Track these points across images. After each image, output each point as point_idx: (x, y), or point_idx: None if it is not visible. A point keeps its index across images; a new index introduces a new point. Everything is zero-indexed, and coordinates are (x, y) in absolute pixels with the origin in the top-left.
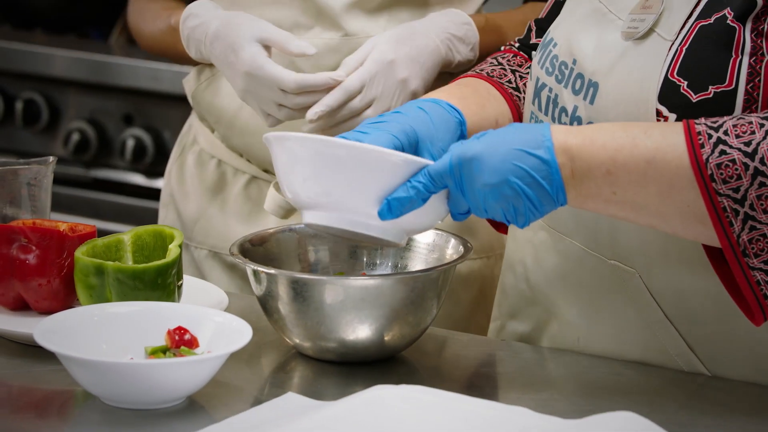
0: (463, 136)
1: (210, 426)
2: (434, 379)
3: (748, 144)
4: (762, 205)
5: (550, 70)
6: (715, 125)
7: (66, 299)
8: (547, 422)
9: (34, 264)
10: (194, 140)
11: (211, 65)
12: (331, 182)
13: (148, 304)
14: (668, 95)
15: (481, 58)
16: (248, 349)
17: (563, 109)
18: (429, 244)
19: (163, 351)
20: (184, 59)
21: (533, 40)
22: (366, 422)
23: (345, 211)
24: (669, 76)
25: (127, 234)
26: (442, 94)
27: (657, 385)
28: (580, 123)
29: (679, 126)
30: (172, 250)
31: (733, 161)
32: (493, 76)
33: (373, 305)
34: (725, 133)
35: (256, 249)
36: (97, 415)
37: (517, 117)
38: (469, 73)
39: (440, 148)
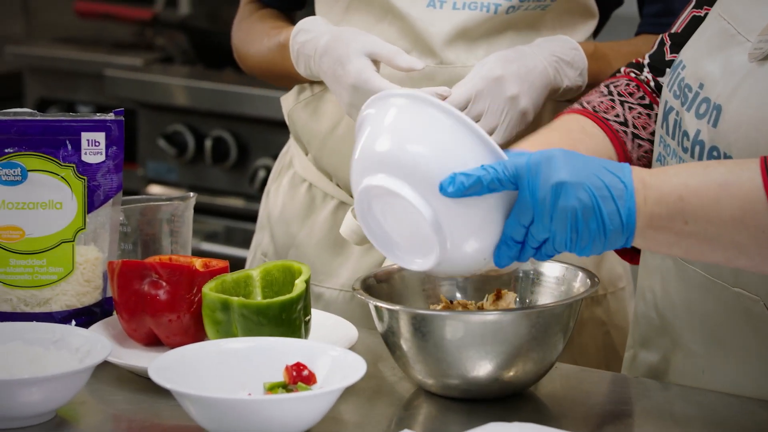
0: None
1: None
2: (560, 416)
3: None
4: None
5: (677, 93)
6: None
7: (197, 334)
8: None
9: (165, 300)
10: (290, 163)
11: (312, 84)
12: (418, 145)
13: (265, 340)
14: None
15: (589, 86)
16: (372, 385)
17: (685, 133)
18: (558, 278)
19: (282, 386)
20: (290, 80)
21: (668, 56)
22: None
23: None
24: None
25: (256, 270)
26: (525, 145)
27: None
28: (702, 147)
29: (755, 162)
30: (298, 285)
31: None
32: (598, 111)
33: (493, 341)
34: None
35: (380, 285)
36: None
37: (622, 152)
38: (574, 106)
39: None
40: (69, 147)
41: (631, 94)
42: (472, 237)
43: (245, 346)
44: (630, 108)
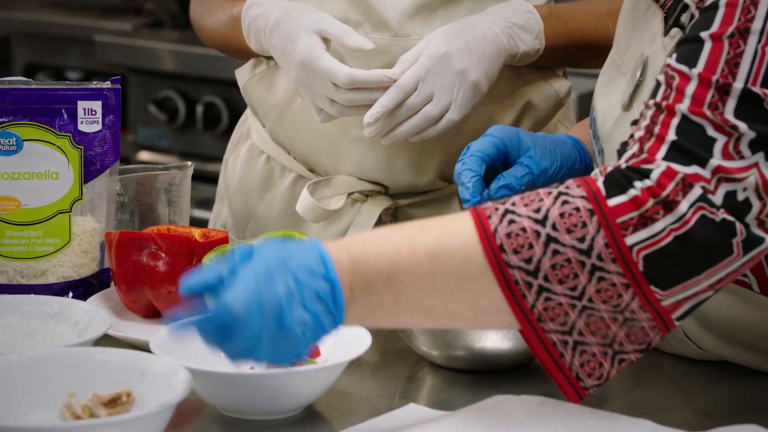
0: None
1: None
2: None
3: (537, 211)
4: (557, 275)
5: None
6: (502, 201)
7: None
8: None
9: (164, 271)
10: (248, 133)
11: (268, 59)
12: None
13: None
14: None
15: (547, 49)
16: (376, 358)
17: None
18: None
19: None
20: (245, 53)
21: None
22: None
23: None
24: None
25: (257, 240)
26: (574, 132)
27: None
28: None
29: (464, 213)
30: None
31: (524, 230)
32: None
33: None
34: (513, 204)
35: None
36: (215, 426)
37: None
38: None
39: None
40: (65, 116)
41: None
42: None
43: None
44: None
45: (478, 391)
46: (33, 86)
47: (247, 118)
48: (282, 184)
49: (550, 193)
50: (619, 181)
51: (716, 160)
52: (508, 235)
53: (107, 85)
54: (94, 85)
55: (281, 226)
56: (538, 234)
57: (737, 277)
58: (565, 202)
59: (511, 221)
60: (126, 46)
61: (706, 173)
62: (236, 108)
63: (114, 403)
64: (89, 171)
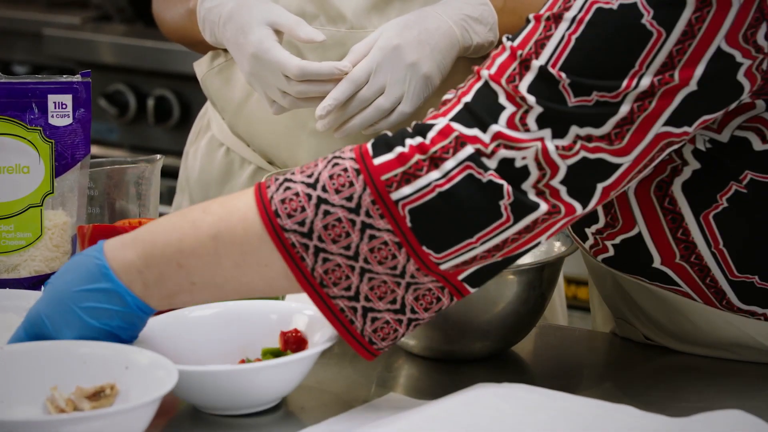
0: None
1: (309, 428)
2: (542, 376)
3: (310, 176)
4: (330, 235)
5: None
6: (284, 172)
7: None
8: (654, 421)
9: None
10: (208, 125)
11: (225, 52)
12: None
13: (236, 304)
14: None
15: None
16: (347, 348)
17: None
18: None
19: (274, 354)
20: (202, 46)
21: None
22: (465, 422)
23: None
24: None
25: None
26: None
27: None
28: None
29: (249, 188)
30: None
31: (297, 194)
32: None
33: (477, 301)
34: (292, 173)
35: None
36: (189, 422)
37: None
38: None
39: None
40: (35, 110)
41: None
42: None
43: (215, 312)
44: None
45: (456, 379)
46: (3, 80)
47: (206, 111)
48: (241, 176)
49: (325, 158)
50: (388, 141)
51: (499, 127)
52: (282, 201)
53: (78, 78)
54: (65, 78)
55: None
56: (309, 197)
57: (601, 263)
58: (335, 165)
59: (287, 188)
60: (75, 40)
61: (485, 137)
62: (187, 101)
63: (98, 396)
64: (60, 165)
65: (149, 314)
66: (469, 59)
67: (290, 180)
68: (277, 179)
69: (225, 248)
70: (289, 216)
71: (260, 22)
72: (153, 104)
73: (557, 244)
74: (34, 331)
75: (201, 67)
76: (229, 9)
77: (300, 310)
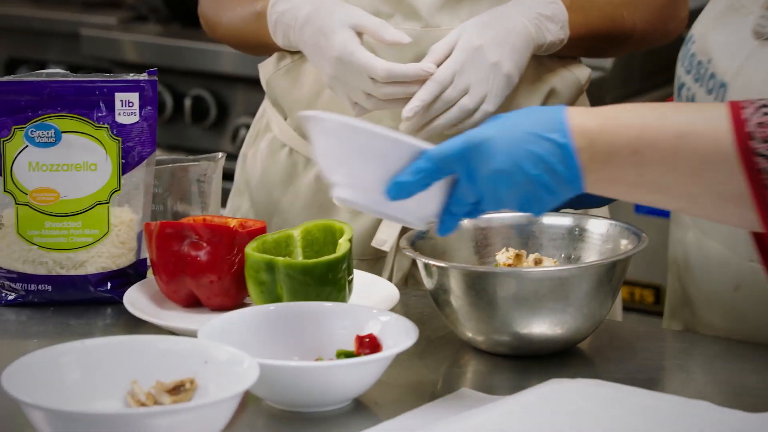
0: None
1: (384, 422)
2: (611, 372)
3: None
4: None
5: (689, 68)
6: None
7: (237, 295)
8: (730, 416)
9: (205, 261)
10: (267, 127)
11: (292, 53)
12: (350, 163)
13: (313, 305)
14: None
15: (570, 38)
16: (418, 346)
17: None
18: (603, 234)
19: (348, 356)
20: (266, 49)
21: None
22: (542, 418)
23: (365, 191)
24: None
25: (296, 229)
26: None
27: None
28: None
29: (722, 104)
30: (342, 245)
31: None
32: None
33: (547, 298)
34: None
35: (426, 241)
36: (262, 418)
37: None
38: None
39: None
40: (103, 108)
41: None
42: (429, 211)
43: (292, 311)
44: None
45: (524, 375)
46: (71, 78)
47: (264, 112)
48: (306, 176)
49: None
50: None
51: None
52: (760, 125)
53: (144, 77)
54: (132, 76)
55: (307, 217)
56: None
57: None
58: None
59: (766, 113)
60: (112, 40)
61: None
62: (224, 101)
63: (177, 390)
64: (127, 162)
65: (576, 191)
66: (536, 55)
67: None
68: (753, 102)
69: (686, 152)
70: (765, 141)
71: (343, 24)
72: (190, 104)
73: (624, 242)
74: (469, 147)
75: (267, 68)
76: (306, 12)
77: (376, 316)
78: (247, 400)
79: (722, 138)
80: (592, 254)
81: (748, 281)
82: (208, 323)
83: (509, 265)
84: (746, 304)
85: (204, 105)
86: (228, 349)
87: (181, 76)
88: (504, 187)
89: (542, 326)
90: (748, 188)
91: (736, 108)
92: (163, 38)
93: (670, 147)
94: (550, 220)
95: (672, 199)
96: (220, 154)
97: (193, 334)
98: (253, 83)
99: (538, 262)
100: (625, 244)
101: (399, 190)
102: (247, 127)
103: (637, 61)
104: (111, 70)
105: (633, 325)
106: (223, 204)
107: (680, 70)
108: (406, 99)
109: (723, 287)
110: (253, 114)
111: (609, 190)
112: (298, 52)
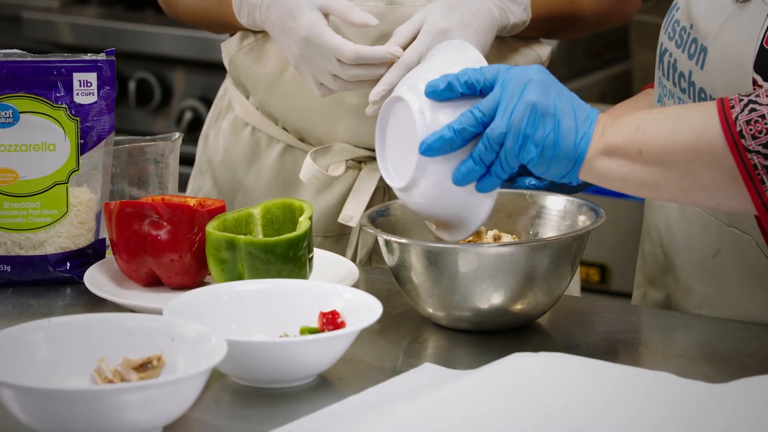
0: None
1: (349, 397)
2: (570, 346)
3: None
4: None
5: (672, 35)
6: (748, 93)
7: (198, 274)
8: (693, 387)
9: (166, 240)
10: (229, 106)
11: (256, 32)
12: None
13: (277, 282)
14: (763, 64)
15: (531, 20)
16: (381, 321)
17: (681, 74)
18: (560, 211)
19: (312, 332)
20: (228, 28)
21: None
22: (506, 391)
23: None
24: (764, 43)
25: (256, 208)
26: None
27: None
28: (693, 88)
29: (710, 102)
30: (303, 223)
31: (763, 116)
32: None
33: (507, 273)
34: (757, 95)
35: (385, 219)
36: (227, 394)
37: None
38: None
39: None
40: (61, 88)
41: None
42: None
43: (257, 288)
44: None
45: (485, 350)
46: (28, 58)
47: (226, 92)
48: (269, 154)
49: None
50: None
51: None
52: (748, 122)
53: (102, 56)
54: (89, 56)
55: (271, 195)
56: None
57: None
58: None
59: (752, 110)
60: (54, 23)
61: None
62: (168, 84)
63: (144, 367)
64: (86, 142)
65: (577, 153)
66: (499, 38)
67: (756, 102)
68: (740, 99)
69: (683, 127)
70: (754, 138)
71: (310, 5)
72: (134, 87)
73: (582, 218)
74: (535, 118)
75: (230, 46)
76: None
77: (339, 293)
78: (212, 377)
79: (714, 139)
80: (550, 230)
81: (726, 246)
82: (173, 300)
83: (469, 242)
84: (724, 269)
85: (148, 88)
86: (195, 326)
87: (124, 59)
88: (525, 97)
89: (502, 301)
90: (744, 185)
91: (725, 105)
92: (106, 21)
93: (668, 125)
94: (507, 197)
95: (673, 177)
96: (176, 134)
97: (155, 313)
98: (197, 65)
99: (497, 239)
100: (583, 220)
101: (440, 82)
102: (193, 109)
103: (581, 41)
104: (53, 52)
105: (591, 299)
106: (180, 185)
107: (663, 37)
108: (373, 81)
109: (704, 253)
110: (198, 96)
111: (609, 166)
112: (262, 31)
